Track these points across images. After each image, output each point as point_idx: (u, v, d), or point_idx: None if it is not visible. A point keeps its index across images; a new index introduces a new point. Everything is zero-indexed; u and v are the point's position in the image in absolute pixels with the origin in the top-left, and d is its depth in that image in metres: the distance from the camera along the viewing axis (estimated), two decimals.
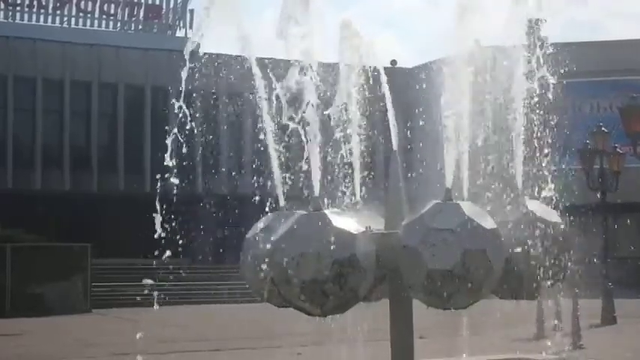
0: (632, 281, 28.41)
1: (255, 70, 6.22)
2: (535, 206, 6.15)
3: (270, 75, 6.20)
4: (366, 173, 6.55)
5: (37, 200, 32.76)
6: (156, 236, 6.30)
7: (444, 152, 5.98)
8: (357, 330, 6.77)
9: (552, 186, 6.42)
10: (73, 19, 38.34)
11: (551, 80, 6.56)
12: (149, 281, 6.23)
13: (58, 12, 37.82)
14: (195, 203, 26.63)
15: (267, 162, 6.26)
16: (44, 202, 32.79)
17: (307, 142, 5.75)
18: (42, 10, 37.54)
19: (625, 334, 16.16)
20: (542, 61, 6.49)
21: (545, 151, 6.61)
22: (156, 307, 6.41)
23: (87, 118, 34.95)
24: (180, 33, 39.15)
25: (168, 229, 6.38)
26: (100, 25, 38.75)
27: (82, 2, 38.13)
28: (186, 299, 26.49)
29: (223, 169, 34.76)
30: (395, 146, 6.57)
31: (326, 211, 5.82)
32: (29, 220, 29.04)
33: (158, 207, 6.28)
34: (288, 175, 6.22)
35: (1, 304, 24.39)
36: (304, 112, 5.82)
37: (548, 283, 6.09)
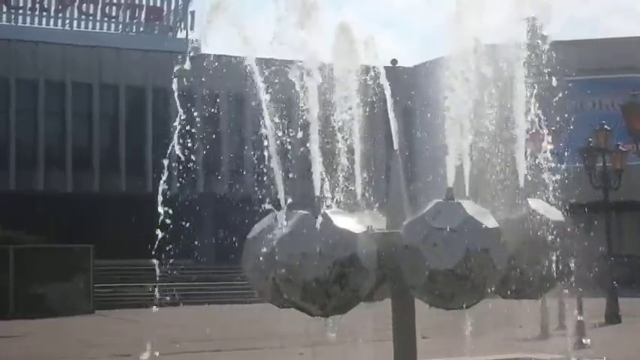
0: (636, 280, 28.34)
1: (256, 71, 6.21)
2: (537, 205, 6.12)
3: (271, 75, 6.18)
4: (367, 172, 6.53)
5: (39, 201, 32.77)
6: (157, 236, 6.28)
7: (445, 150, 5.96)
8: (360, 330, 6.74)
9: (555, 184, 6.39)
10: (74, 22, 38.35)
11: (553, 78, 6.53)
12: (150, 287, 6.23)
13: (60, 15, 37.84)
14: (196, 203, 26.62)
15: (268, 162, 6.24)
16: (46, 203, 32.80)
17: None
18: (44, 13, 37.56)
19: (629, 333, 16.10)
20: (543, 59, 6.46)
21: (548, 149, 6.58)
22: (155, 309, 6.42)
23: (88, 120, 34.96)
24: (181, 34, 39.13)
25: (170, 230, 6.36)
26: (101, 28, 38.76)
27: (84, 5, 38.14)
28: (188, 300, 26.43)
29: (225, 170, 34.76)
30: (396, 145, 6.55)
31: (327, 211, 5.80)
32: (31, 221, 29.05)
33: (160, 208, 6.26)
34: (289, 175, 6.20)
35: (5, 306, 24.40)
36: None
37: (552, 282, 6.07)
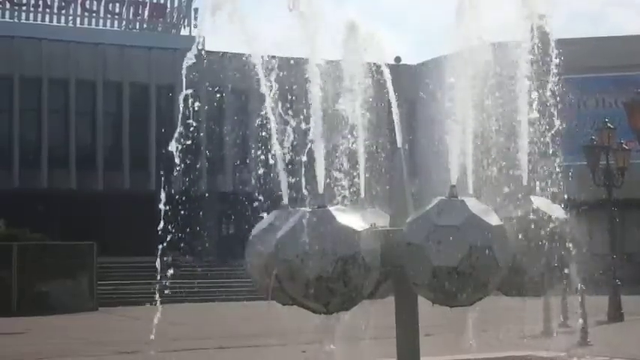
0: (638, 277, 28.30)
1: (260, 67, 6.21)
2: (540, 202, 6.12)
3: (274, 72, 6.18)
4: (370, 170, 6.53)
5: (42, 199, 32.83)
6: (161, 234, 6.29)
7: (448, 148, 5.96)
8: (363, 327, 6.75)
9: (558, 182, 6.39)
10: (78, 19, 38.39)
11: (556, 76, 6.52)
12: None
13: (63, 11, 37.87)
14: (199, 201, 26.63)
15: (271, 159, 6.25)
16: (50, 201, 32.85)
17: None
18: (47, 10, 37.60)
19: (632, 331, 16.10)
20: (546, 56, 6.46)
21: (551, 147, 6.58)
22: (158, 305, 6.44)
23: (92, 118, 34.99)
24: (184, 32, 39.17)
25: (174, 227, 6.37)
26: (104, 25, 38.79)
27: (87, 2, 38.17)
28: (191, 297, 26.49)
29: (228, 167, 34.78)
30: (399, 143, 6.55)
31: (330, 209, 5.81)
32: (35, 219, 29.11)
33: (163, 205, 6.27)
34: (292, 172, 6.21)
35: (8, 303, 24.45)
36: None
37: (554, 279, 6.06)
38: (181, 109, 6.36)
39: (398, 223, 6.05)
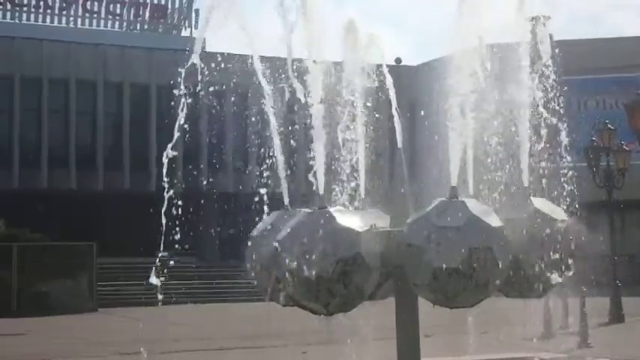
0: (639, 279, 28.28)
1: (259, 68, 6.21)
2: (541, 204, 6.12)
3: (274, 73, 6.19)
4: (371, 171, 6.53)
5: (43, 199, 32.83)
6: (161, 234, 6.29)
7: (449, 149, 5.96)
8: (363, 329, 6.75)
9: (558, 183, 6.39)
10: (79, 20, 38.43)
11: (557, 77, 6.53)
12: (154, 281, 6.16)
13: (64, 12, 37.90)
14: (200, 201, 26.64)
15: (272, 160, 6.25)
16: (50, 201, 32.85)
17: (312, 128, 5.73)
18: (48, 11, 37.64)
19: (633, 332, 16.10)
20: (546, 58, 6.46)
21: (551, 148, 6.58)
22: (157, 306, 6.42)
23: (92, 118, 35.00)
24: (185, 32, 39.21)
25: (174, 228, 6.37)
26: (105, 25, 38.83)
27: (88, 2, 38.21)
28: (191, 298, 26.49)
29: (228, 167, 34.78)
30: (400, 144, 6.56)
31: (330, 209, 5.81)
32: (35, 220, 29.11)
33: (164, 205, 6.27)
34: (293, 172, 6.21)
35: (7, 304, 24.46)
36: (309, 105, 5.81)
37: (555, 281, 6.06)
38: (181, 109, 6.34)
39: (398, 224, 6.05)
